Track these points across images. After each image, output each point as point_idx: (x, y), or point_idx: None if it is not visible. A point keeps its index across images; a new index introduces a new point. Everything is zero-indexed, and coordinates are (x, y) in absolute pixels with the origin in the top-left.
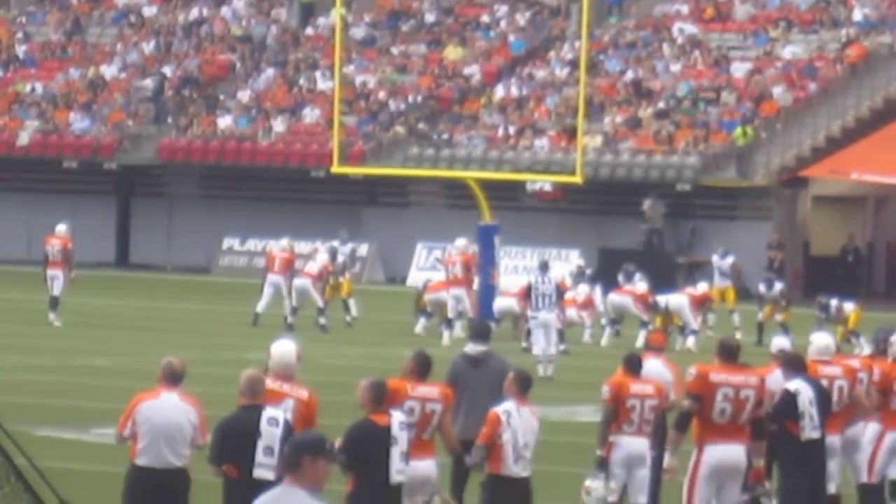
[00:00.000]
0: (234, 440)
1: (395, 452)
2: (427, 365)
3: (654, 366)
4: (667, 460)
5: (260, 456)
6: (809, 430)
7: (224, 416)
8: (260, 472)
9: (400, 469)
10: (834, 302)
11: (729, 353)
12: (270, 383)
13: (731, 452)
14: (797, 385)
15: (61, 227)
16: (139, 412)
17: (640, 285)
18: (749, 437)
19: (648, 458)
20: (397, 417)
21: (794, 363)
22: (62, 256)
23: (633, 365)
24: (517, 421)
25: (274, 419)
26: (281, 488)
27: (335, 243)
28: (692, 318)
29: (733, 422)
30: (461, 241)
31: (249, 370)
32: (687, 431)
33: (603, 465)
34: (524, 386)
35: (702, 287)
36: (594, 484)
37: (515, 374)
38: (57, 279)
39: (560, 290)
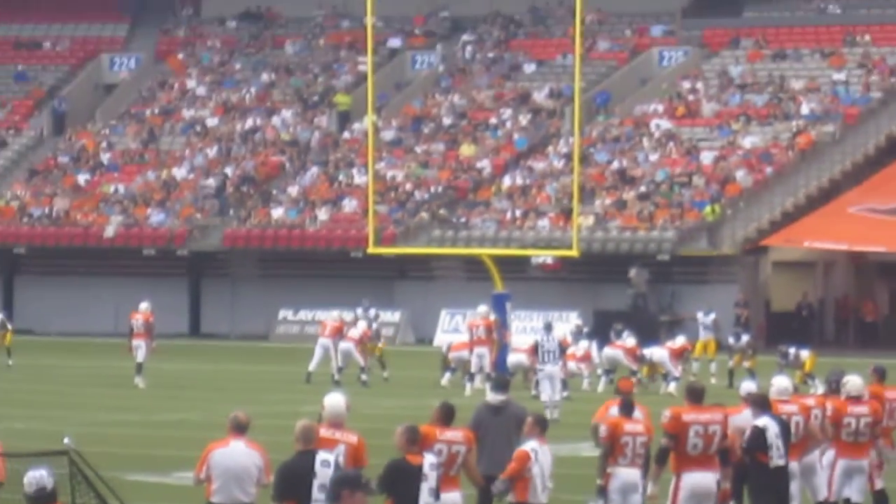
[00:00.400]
0: (292, 480)
1: (425, 488)
2: (451, 413)
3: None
4: (649, 489)
5: (315, 493)
6: (777, 458)
7: (284, 460)
8: None
9: (428, 502)
10: (792, 350)
11: (695, 396)
12: (324, 431)
13: (704, 479)
14: (765, 421)
15: (144, 305)
16: (212, 458)
17: (629, 340)
18: (718, 465)
19: (641, 485)
20: (428, 459)
21: (761, 403)
22: (145, 329)
23: (628, 408)
24: (542, 456)
25: (326, 461)
26: None
27: (358, 311)
28: (673, 367)
29: (704, 453)
30: (483, 308)
31: (303, 421)
32: (665, 464)
33: (602, 492)
34: (543, 427)
35: (680, 341)
36: None
37: (535, 418)
38: (140, 348)
39: (562, 347)
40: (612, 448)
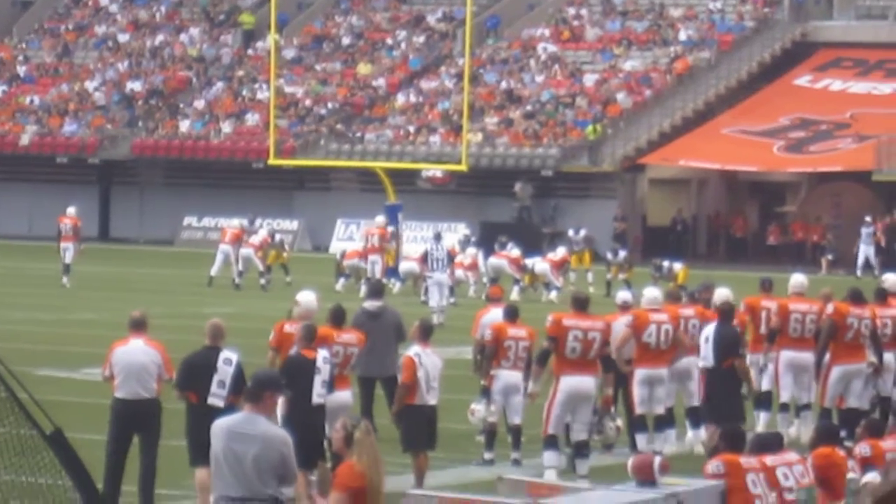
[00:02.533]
0: (194, 372)
1: (318, 380)
2: (343, 315)
3: (495, 313)
4: (530, 387)
5: (214, 387)
6: (700, 360)
7: (190, 353)
8: (212, 400)
9: (321, 393)
10: (666, 263)
11: (579, 304)
12: (288, 328)
13: (581, 383)
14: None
15: (72, 210)
16: (114, 355)
17: (514, 251)
18: (598, 371)
19: (522, 387)
20: (321, 354)
21: (720, 311)
22: (73, 232)
23: (511, 313)
24: (426, 360)
25: (228, 359)
26: (245, 415)
27: (244, 222)
28: (553, 277)
29: (583, 357)
30: (380, 218)
31: (214, 319)
32: (546, 365)
33: (486, 392)
34: (426, 333)
35: (560, 252)
36: (478, 407)
37: (420, 324)
38: (68, 250)
39: (450, 255)
40: (496, 351)
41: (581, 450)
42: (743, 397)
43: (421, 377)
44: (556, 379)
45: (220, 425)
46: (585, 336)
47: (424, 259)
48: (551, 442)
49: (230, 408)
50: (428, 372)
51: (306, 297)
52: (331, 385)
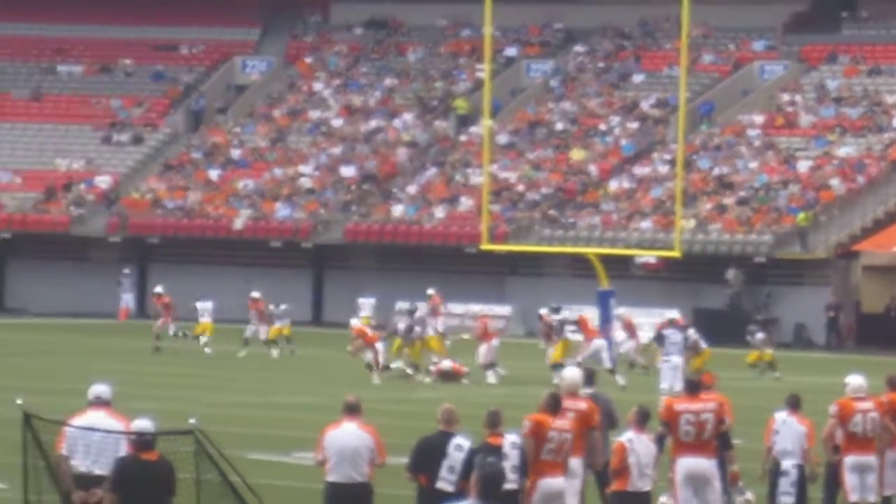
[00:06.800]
0: (427, 456)
1: (507, 466)
2: (558, 403)
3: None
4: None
5: (443, 472)
6: None
7: (424, 436)
8: (441, 485)
9: (511, 479)
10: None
11: (690, 388)
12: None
13: (698, 464)
14: None
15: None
16: (326, 439)
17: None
18: (716, 451)
19: (717, 474)
20: (509, 439)
21: None
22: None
23: (692, 387)
24: (638, 446)
25: (460, 446)
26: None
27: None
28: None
29: (698, 439)
30: (622, 310)
31: (446, 404)
32: (664, 449)
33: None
34: (643, 419)
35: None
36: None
37: (637, 409)
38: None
39: (687, 340)
40: (670, 429)
41: None
42: None
43: (633, 463)
44: (672, 461)
45: None
46: (698, 418)
47: (661, 342)
48: None
49: (460, 493)
50: (640, 458)
51: (570, 373)
52: (523, 470)
